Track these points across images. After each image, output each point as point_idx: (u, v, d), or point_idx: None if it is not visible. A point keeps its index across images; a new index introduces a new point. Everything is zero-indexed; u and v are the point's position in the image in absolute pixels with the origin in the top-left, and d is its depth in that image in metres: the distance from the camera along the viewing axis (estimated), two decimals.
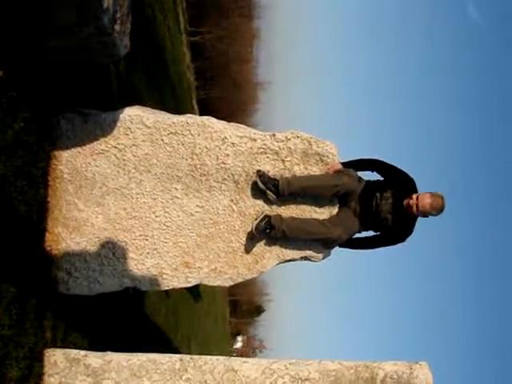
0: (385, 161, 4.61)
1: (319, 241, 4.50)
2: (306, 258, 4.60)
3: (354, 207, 4.56)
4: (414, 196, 4.47)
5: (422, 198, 4.44)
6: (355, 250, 4.80)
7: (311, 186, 4.38)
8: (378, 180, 4.69)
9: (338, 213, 4.58)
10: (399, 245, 4.72)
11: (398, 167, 4.58)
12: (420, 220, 4.58)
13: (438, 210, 4.48)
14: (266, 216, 4.34)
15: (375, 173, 4.68)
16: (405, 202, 4.49)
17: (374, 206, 4.52)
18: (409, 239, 4.69)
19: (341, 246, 4.62)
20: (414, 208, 4.44)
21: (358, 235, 4.70)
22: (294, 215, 4.50)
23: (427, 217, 4.54)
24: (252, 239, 4.44)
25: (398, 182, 4.57)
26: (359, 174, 4.61)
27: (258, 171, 4.31)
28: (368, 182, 4.65)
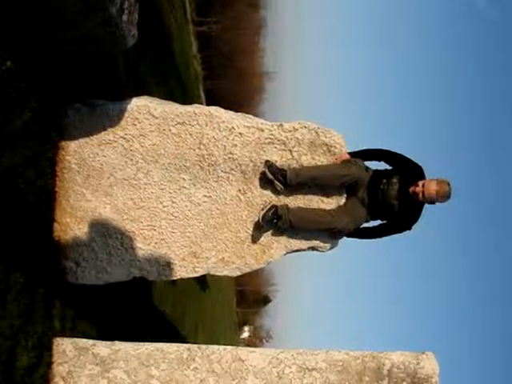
0: (392, 150, 4.59)
1: (326, 231, 4.49)
2: (313, 248, 4.60)
3: (361, 197, 4.54)
4: (420, 183, 4.43)
5: (428, 184, 4.40)
6: (362, 240, 4.79)
7: (319, 176, 4.38)
8: (386, 169, 4.66)
9: (345, 203, 4.57)
10: (406, 232, 4.69)
11: (406, 155, 4.55)
12: (431, 208, 4.56)
13: (444, 197, 4.45)
14: (273, 206, 4.34)
15: (382, 162, 4.66)
16: (411, 188, 4.46)
17: (381, 192, 4.51)
18: (415, 227, 4.65)
19: (348, 235, 4.61)
20: (420, 195, 4.41)
21: (365, 225, 4.69)
22: (301, 205, 4.50)
23: (434, 203, 4.51)
24: (259, 229, 4.44)
25: (405, 169, 4.55)
26: (366, 163, 4.61)
27: (267, 161, 4.31)
28: (375, 171, 4.63)
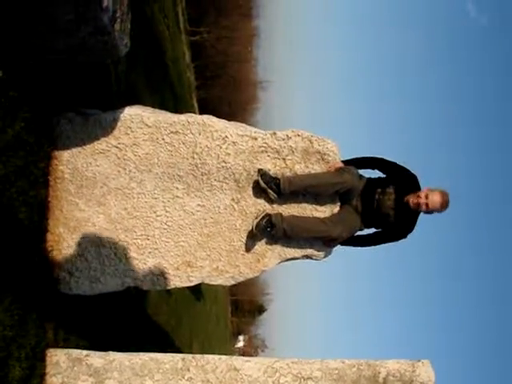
0: (386, 158, 4.59)
1: (320, 239, 4.48)
2: (307, 257, 4.59)
3: (355, 205, 4.53)
4: (423, 194, 4.39)
5: (433, 196, 4.37)
6: (357, 248, 4.78)
7: (312, 184, 4.37)
8: (380, 177, 4.65)
9: (339, 211, 4.55)
10: (401, 241, 4.68)
11: (400, 164, 4.55)
12: (429, 217, 4.56)
13: (446, 207, 4.45)
14: (267, 214, 4.32)
15: (376, 171, 4.66)
16: (411, 199, 4.42)
17: (376, 201, 4.48)
18: (410, 235, 4.65)
19: (342, 244, 4.60)
20: (424, 207, 4.39)
21: (359, 233, 4.68)
22: (295, 214, 4.49)
23: (431, 213, 4.49)
24: (253, 238, 4.43)
25: (399, 178, 4.53)
26: (360, 172, 4.60)
27: (260, 170, 4.30)
28: (369, 179, 4.61)
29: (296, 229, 4.36)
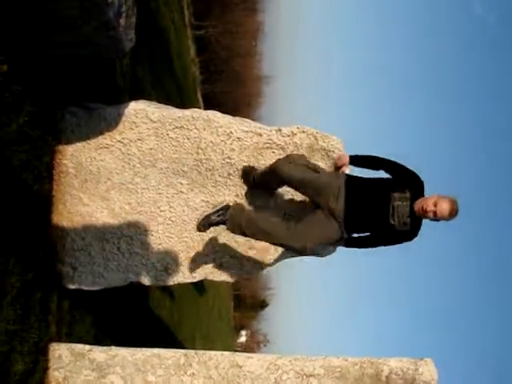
0: (395, 160, 4.29)
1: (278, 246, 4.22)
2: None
3: (332, 208, 4.02)
4: (431, 202, 4.03)
5: (442, 204, 4.02)
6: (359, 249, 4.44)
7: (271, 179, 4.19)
8: (383, 178, 4.29)
9: (310, 218, 4.11)
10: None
11: (409, 167, 4.26)
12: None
13: (454, 216, 4.12)
14: (226, 207, 4.04)
15: (381, 171, 4.34)
16: (418, 206, 4.05)
17: (393, 208, 4.06)
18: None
19: (347, 245, 4.33)
20: (431, 214, 4.03)
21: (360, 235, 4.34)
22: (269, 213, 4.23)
23: (438, 221, 4.19)
24: None
25: (409, 182, 4.19)
26: (355, 170, 4.31)
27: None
28: (352, 177, 4.19)
29: (252, 228, 4.02)
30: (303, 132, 4.39)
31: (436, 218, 4.07)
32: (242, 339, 72.24)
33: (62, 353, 3.94)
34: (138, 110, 4.27)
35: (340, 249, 4.59)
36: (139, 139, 4.27)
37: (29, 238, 3.77)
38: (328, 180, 4.08)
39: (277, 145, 4.37)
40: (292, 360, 3.94)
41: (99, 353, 3.97)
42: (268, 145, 4.37)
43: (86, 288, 4.33)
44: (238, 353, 4.07)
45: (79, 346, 4.00)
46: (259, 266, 4.50)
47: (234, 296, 65.30)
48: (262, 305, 76.88)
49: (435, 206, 4.01)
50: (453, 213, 4.07)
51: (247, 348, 65.43)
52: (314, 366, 3.90)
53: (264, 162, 4.35)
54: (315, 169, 4.15)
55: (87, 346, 4.01)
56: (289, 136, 4.38)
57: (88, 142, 4.24)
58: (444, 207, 4.02)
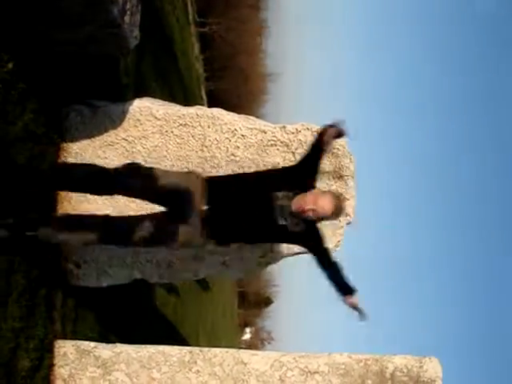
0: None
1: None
2: None
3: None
4: (309, 199, 3.48)
5: (322, 202, 3.47)
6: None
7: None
8: (260, 172, 3.86)
9: None
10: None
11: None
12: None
13: (339, 214, 3.68)
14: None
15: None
16: (296, 206, 3.50)
17: (278, 209, 3.50)
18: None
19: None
20: (310, 214, 3.47)
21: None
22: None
23: (323, 221, 3.66)
24: None
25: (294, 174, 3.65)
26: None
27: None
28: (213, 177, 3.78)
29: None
30: (308, 129, 4.38)
31: (317, 216, 3.53)
32: (247, 336, 72.41)
33: (67, 350, 3.95)
34: (142, 107, 4.27)
35: (343, 243, 4.59)
36: (144, 137, 4.27)
37: (34, 236, 3.77)
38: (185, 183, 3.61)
39: (281, 142, 4.36)
40: (296, 357, 3.94)
41: (104, 350, 3.98)
42: (272, 142, 4.36)
43: (90, 285, 4.33)
44: (242, 350, 4.08)
45: (84, 343, 4.01)
46: (263, 263, 4.49)
47: (238, 293, 65.42)
48: (267, 302, 77.00)
49: (314, 204, 3.47)
50: (337, 210, 3.56)
51: (251, 345, 65.55)
52: (318, 363, 3.91)
53: (268, 159, 4.35)
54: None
55: (92, 343, 4.02)
56: (293, 133, 4.37)
57: (92, 139, 4.24)
58: (327, 206, 3.49)
